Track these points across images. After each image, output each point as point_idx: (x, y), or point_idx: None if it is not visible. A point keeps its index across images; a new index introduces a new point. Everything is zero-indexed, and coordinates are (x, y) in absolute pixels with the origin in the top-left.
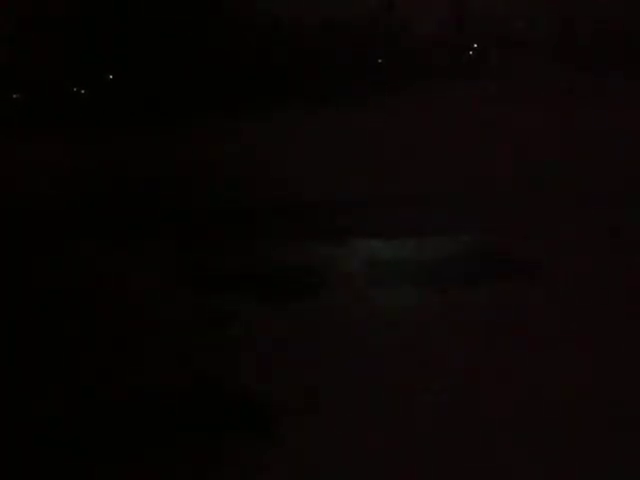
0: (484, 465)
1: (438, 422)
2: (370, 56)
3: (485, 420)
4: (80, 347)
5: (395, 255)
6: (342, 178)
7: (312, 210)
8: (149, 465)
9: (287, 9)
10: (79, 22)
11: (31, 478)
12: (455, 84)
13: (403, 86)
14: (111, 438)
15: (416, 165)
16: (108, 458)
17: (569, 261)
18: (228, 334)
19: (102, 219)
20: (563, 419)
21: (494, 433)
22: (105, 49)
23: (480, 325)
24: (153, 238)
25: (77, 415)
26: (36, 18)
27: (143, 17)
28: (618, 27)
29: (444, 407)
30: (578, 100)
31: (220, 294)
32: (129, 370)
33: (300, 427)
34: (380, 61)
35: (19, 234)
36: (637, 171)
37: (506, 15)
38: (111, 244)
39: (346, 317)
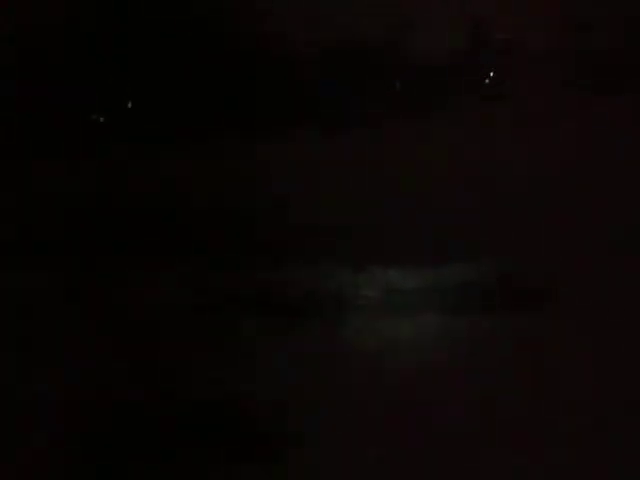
0: None
1: (446, 450)
2: (384, 78)
3: (492, 451)
4: (79, 361)
5: (410, 282)
6: (354, 201)
7: (326, 234)
8: None
9: (295, 30)
10: (94, 49)
11: None
12: (470, 108)
13: (417, 110)
14: (107, 454)
15: (432, 190)
16: (105, 474)
17: (588, 289)
18: (231, 353)
19: (104, 233)
20: (571, 452)
21: (500, 459)
22: (122, 77)
23: (494, 355)
24: (154, 253)
25: (75, 430)
26: (49, 43)
27: (154, 44)
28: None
29: (455, 436)
30: (587, 122)
31: (225, 313)
32: (127, 387)
33: (300, 447)
34: (397, 86)
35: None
36: None
37: (521, 35)
38: (112, 258)
39: (357, 343)
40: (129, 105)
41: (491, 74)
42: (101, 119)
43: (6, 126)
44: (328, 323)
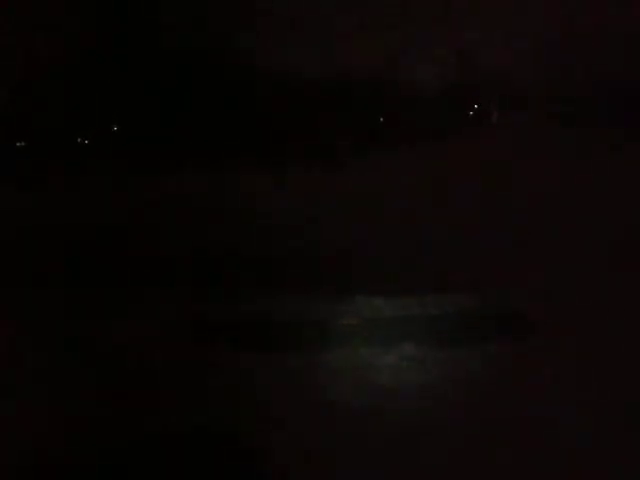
0: None
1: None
2: (370, 114)
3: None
4: (76, 397)
5: (393, 312)
6: (340, 232)
7: (311, 263)
8: None
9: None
10: (82, 73)
11: None
12: (453, 144)
13: (401, 145)
14: None
15: (416, 219)
16: None
17: (573, 319)
18: (226, 386)
19: (99, 266)
20: None
21: None
22: (108, 100)
23: (477, 387)
24: (152, 286)
25: (70, 467)
26: (38, 67)
27: (146, 70)
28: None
29: (441, 468)
30: (569, 151)
31: (217, 345)
32: (124, 421)
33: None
34: (381, 119)
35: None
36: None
37: (509, 71)
38: (109, 291)
39: (343, 375)
40: (114, 128)
41: (475, 106)
42: (85, 141)
43: None
44: (311, 353)
